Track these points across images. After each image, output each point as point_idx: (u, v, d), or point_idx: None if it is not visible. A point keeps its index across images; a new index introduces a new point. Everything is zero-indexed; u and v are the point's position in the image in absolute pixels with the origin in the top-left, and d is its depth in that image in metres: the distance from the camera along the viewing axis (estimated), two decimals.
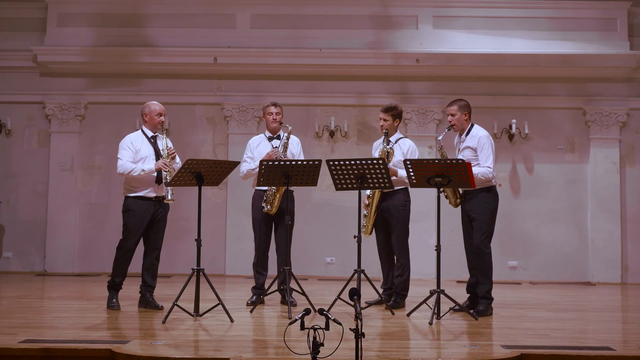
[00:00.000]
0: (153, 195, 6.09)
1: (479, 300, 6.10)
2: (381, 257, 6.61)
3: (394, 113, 6.48)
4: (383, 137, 6.46)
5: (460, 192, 6.24)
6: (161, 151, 6.06)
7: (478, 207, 6.08)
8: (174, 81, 9.39)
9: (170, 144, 6.13)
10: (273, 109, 6.57)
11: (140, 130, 6.25)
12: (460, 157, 6.10)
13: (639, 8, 9.36)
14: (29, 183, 9.40)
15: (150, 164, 6.01)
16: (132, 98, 9.18)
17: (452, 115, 6.21)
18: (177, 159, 6.20)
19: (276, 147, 6.50)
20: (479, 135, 6.17)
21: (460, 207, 6.26)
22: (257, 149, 6.60)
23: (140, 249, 6.21)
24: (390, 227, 6.44)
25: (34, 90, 9.41)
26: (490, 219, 6.12)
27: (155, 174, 6.03)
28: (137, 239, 6.13)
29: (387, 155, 6.30)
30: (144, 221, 6.09)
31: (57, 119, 9.36)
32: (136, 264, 6.26)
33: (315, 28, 9.26)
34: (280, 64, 9.23)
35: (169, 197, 5.93)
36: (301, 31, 9.27)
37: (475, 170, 5.97)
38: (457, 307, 6.05)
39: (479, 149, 6.10)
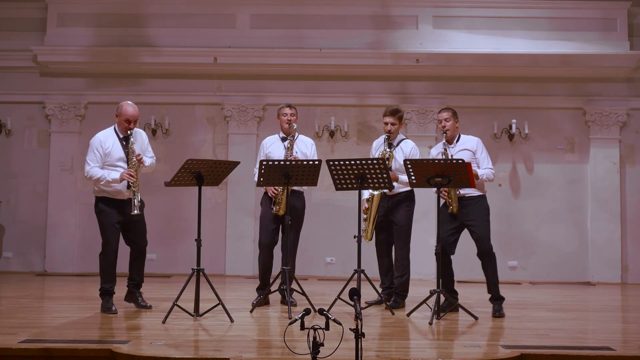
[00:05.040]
0: (123, 197, 5.93)
1: (492, 302, 6.12)
2: (380, 256, 6.59)
3: (400, 115, 6.49)
4: (384, 138, 6.44)
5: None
6: (130, 161, 5.87)
7: (480, 214, 6.11)
8: (174, 81, 9.39)
9: (140, 139, 6.02)
10: (287, 110, 6.55)
11: (112, 128, 6.04)
12: None
13: (639, 8, 9.35)
14: (29, 183, 9.39)
15: (115, 174, 5.84)
16: (132, 98, 9.02)
17: (447, 120, 6.20)
18: (147, 162, 6.00)
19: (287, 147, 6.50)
20: (475, 139, 6.30)
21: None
22: (270, 148, 6.59)
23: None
24: (393, 226, 6.44)
25: (34, 90, 9.41)
26: (489, 224, 6.18)
27: (122, 184, 5.86)
28: (117, 238, 5.99)
29: (387, 160, 6.27)
30: (118, 220, 5.94)
31: (57, 119, 9.36)
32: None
33: (315, 28, 9.26)
34: (280, 64, 9.23)
35: (135, 211, 5.80)
36: (301, 31, 9.26)
37: (480, 172, 6.08)
38: (457, 307, 6.05)
39: (478, 151, 6.18)
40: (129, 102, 6.05)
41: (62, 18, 9.31)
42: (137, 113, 5.98)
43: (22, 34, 9.38)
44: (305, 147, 6.63)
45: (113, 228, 5.95)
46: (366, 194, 6.39)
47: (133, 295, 6.18)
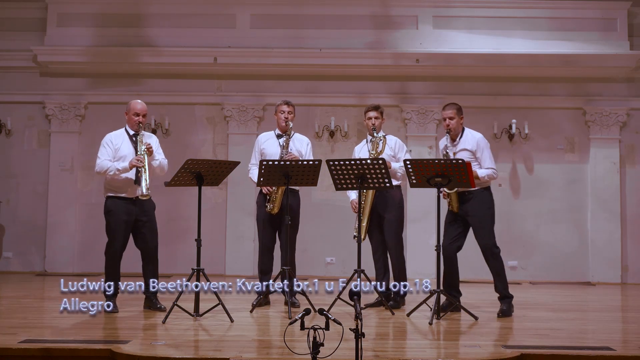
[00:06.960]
0: (132, 195, 5.98)
1: (500, 301, 6.09)
2: (377, 260, 6.55)
3: (382, 111, 6.52)
4: (366, 140, 6.47)
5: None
6: (138, 149, 5.95)
7: (480, 208, 6.06)
8: (174, 81, 9.39)
9: (151, 141, 6.07)
10: (285, 108, 6.55)
11: (123, 128, 6.18)
12: None
13: (639, 8, 9.35)
14: (29, 183, 9.39)
15: (124, 163, 5.94)
16: (132, 98, 8.92)
17: (451, 118, 6.13)
18: (157, 156, 6.09)
19: (281, 145, 6.49)
20: (476, 137, 6.16)
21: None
22: (264, 144, 6.60)
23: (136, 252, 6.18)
24: (385, 224, 6.42)
25: (34, 90, 9.41)
26: (493, 219, 6.13)
27: (131, 173, 5.93)
28: (123, 240, 6.04)
29: (379, 145, 6.26)
30: (125, 221, 6.00)
31: (57, 119, 9.36)
32: (137, 265, 6.23)
33: (315, 28, 9.26)
34: (280, 64, 9.23)
35: (144, 192, 5.81)
36: (301, 31, 9.26)
37: (480, 172, 5.99)
38: (457, 307, 6.05)
39: (478, 151, 6.09)
40: (137, 100, 6.24)
41: (62, 18, 9.31)
42: (144, 107, 6.14)
43: (22, 34, 9.37)
44: (301, 145, 6.62)
45: (119, 229, 6.00)
46: (353, 194, 6.38)
47: (149, 300, 6.16)
